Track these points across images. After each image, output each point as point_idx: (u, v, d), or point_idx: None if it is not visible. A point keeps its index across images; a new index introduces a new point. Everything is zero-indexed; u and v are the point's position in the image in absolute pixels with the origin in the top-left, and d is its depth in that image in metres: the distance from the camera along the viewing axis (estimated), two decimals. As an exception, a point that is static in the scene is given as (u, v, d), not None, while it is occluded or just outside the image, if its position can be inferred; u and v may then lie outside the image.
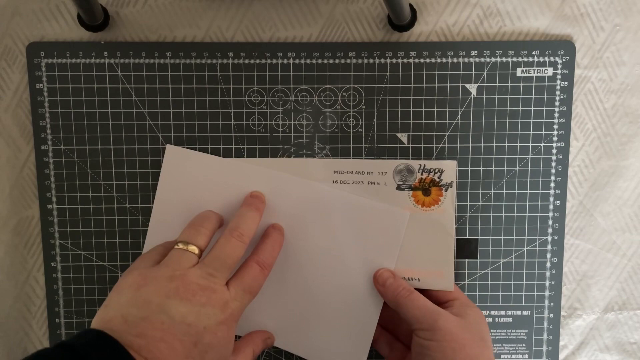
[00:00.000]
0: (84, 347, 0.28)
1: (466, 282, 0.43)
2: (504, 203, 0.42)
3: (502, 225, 0.43)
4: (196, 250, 0.35)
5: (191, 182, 0.41)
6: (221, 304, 0.33)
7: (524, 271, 0.43)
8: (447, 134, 0.42)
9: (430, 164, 0.41)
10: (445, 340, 0.36)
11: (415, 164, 0.41)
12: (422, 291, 0.40)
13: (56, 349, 0.28)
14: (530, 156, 0.42)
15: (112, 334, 0.29)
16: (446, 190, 0.41)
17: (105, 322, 0.31)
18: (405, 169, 0.41)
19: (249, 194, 0.40)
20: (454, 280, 0.41)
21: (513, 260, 0.43)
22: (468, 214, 0.43)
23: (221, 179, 0.41)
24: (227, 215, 0.40)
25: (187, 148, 0.41)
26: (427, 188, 0.41)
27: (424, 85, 0.41)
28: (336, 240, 0.41)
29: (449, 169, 0.41)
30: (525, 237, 0.43)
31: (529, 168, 0.42)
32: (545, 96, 0.42)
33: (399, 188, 0.41)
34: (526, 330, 0.44)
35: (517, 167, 0.42)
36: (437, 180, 0.41)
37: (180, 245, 0.35)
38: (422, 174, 0.41)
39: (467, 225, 0.43)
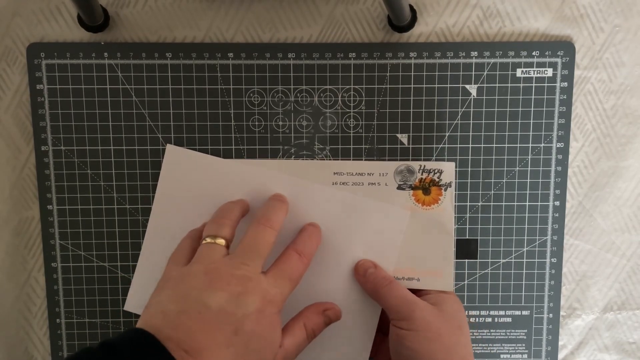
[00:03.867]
0: (123, 344, 0.29)
1: (466, 282, 0.43)
2: (503, 203, 0.43)
3: (502, 226, 0.43)
4: (223, 242, 0.35)
5: (191, 182, 0.41)
6: (259, 291, 0.33)
7: (524, 271, 0.43)
8: (447, 134, 0.42)
9: (430, 164, 0.41)
10: (421, 329, 0.36)
11: (415, 164, 0.41)
12: (417, 291, 0.40)
13: (99, 347, 0.29)
14: (530, 157, 0.42)
15: (151, 330, 0.30)
16: (445, 190, 0.41)
17: (146, 320, 0.31)
18: (406, 170, 0.41)
19: (271, 196, 0.40)
20: (453, 280, 0.42)
21: (513, 260, 0.43)
22: (468, 215, 0.43)
23: (221, 179, 0.41)
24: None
25: (187, 148, 0.41)
26: (427, 187, 0.41)
27: (424, 86, 0.41)
28: (336, 239, 0.41)
29: (448, 170, 0.41)
30: (525, 238, 0.43)
31: (529, 168, 0.42)
32: (545, 97, 0.42)
33: (399, 188, 0.41)
34: (525, 330, 0.44)
35: (517, 168, 0.42)
36: (437, 180, 0.41)
37: (208, 240, 0.35)
38: (422, 174, 0.41)
39: (467, 226, 0.43)
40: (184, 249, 0.36)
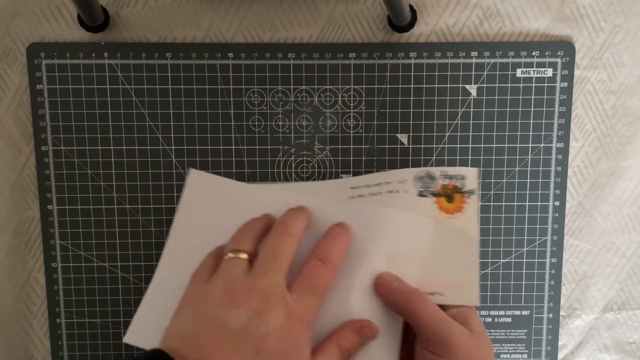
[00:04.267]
0: None
1: (466, 282, 0.43)
2: (503, 203, 0.43)
3: (502, 226, 0.43)
4: (245, 256, 0.33)
5: (214, 208, 0.39)
6: (282, 306, 0.31)
7: (524, 271, 0.43)
8: (447, 134, 0.42)
9: (452, 170, 0.39)
10: (459, 358, 0.32)
11: (435, 170, 0.39)
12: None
13: None
14: (530, 157, 0.42)
15: (170, 352, 0.29)
16: (469, 197, 0.38)
17: (165, 342, 0.30)
18: (427, 176, 0.39)
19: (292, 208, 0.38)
20: (479, 294, 0.39)
21: (512, 260, 0.43)
22: (468, 215, 0.43)
23: (245, 204, 0.39)
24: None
25: (211, 173, 0.40)
26: (450, 194, 0.39)
27: (424, 86, 0.41)
28: (355, 252, 0.37)
29: (470, 176, 0.38)
30: (525, 238, 0.43)
31: (529, 169, 0.42)
32: (545, 97, 0.42)
33: (421, 195, 0.39)
34: (525, 330, 0.44)
35: (517, 168, 0.42)
36: (460, 186, 0.39)
37: (230, 255, 0.33)
38: (444, 180, 0.39)
39: (467, 226, 0.43)
40: (206, 265, 0.34)
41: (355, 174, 0.42)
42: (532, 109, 0.42)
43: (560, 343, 0.44)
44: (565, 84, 0.41)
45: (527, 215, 0.43)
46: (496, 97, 0.42)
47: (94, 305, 0.43)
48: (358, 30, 0.41)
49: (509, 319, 0.44)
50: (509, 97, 0.42)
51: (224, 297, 0.31)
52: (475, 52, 0.41)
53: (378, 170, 0.42)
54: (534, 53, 0.41)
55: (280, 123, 0.42)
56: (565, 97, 0.42)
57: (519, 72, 0.41)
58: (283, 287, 0.32)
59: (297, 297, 0.32)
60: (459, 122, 0.42)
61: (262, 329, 0.30)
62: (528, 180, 0.42)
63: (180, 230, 0.39)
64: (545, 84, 0.41)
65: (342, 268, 0.36)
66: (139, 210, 0.42)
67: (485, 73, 0.41)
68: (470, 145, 0.42)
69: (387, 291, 0.36)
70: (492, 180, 0.42)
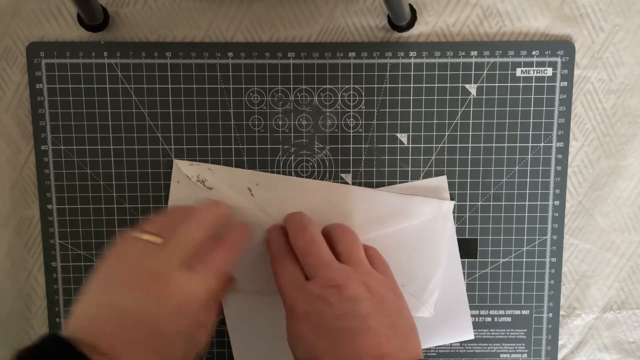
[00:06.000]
0: (39, 353, 0.28)
1: (465, 282, 0.43)
2: (503, 203, 0.43)
3: (502, 225, 0.43)
4: (148, 237, 0.32)
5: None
6: (178, 289, 0.31)
7: (523, 271, 0.43)
8: (446, 134, 0.42)
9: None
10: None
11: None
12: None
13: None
14: (529, 156, 0.42)
15: (75, 334, 0.29)
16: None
17: (70, 325, 0.30)
18: None
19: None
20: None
21: (512, 260, 0.43)
22: (468, 214, 0.43)
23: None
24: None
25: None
26: None
27: (424, 85, 0.41)
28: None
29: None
30: (525, 237, 0.43)
31: (529, 168, 0.42)
32: (544, 96, 0.42)
33: None
34: (525, 330, 0.44)
35: (517, 167, 0.42)
36: None
37: (136, 233, 0.33)
38: None
39: (467, 225, 0.43)
40: (115, 245, 0.34)
41: (355, 173, 0.42)
42: (532, 109, 0.42)
43: (560, 343, 0.44)
44: (565, 84, 0.41)
45: (526, 214, 0.43)
46: (496, 97, 0.42)
47: (94, 305, 0.43)
48: (358, 29, 0.41)
49: (508, 319, 0.44)
50: (508, 96, 0.42)
51: (119, 278, 0.31)
52: (475, 52, 0.41)
53: (377, 169, 0.42)
54: (533, 52, 0.41)
55: (280, 122, 0.42)
56: (565, 96, 0.42)
57: (518, 72, 0.41)
58: (182, 269, 0.32)
59: (195, 277, 0.32)
60: (459, 121, 0.42)
61: (158, 312, 0.30)
62: (528, 179, 0.42)
63: None
64: (545, 84, 0.41)
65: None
66: (138, 210, 0.42)
67: (485, 72, 0.41)
68: (470, 145, 0.42)
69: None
70: (492, 180, 0.42)
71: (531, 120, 0.42)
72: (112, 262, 0.33)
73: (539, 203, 0.43)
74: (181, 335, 0.31)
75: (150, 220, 0.35)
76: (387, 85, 0.41)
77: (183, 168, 0.41)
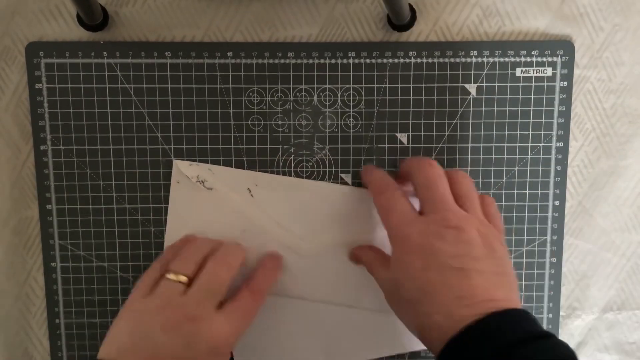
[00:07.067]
0: None
1: (465, 282, 0.43)
2: (503, 203, 0.42)
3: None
4: (185, 279, 0.35)
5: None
6: (211, 332, 0.33)
7: (523, 271, 0.43)
8: (446, 134, 0.42)
9: None
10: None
11: None
12: None
13: None
14: (529, 156, 0.42)
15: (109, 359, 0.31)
16: None
17: (102, 353, 0.32)
18: None
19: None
20: None
21: (512, 260, 0.43)
22: (467, 214, 0.43)
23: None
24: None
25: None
26: None
27: (424, 85, 0.41)
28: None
29: None
30: (525, 237, 0.43)
31: (528, 168, 0.42)
32: (544, 96, 0.42)
33: None
34: (525, 330, 0.44)
35: (517, 167, 0.42)
36: None
37: (171, 276, 0.35)
38: None
39: (467, 225, 0.43)
40: (149, 279, 0.36)
41: (355, 173, 0.42)
42: (532, 109, 0.42)
43: (560, 343, 0.44)
44: (565, 83, 0.41)
45: (526, 214, 0.43)
46: (496, 97, 0.41)
47: (93, 305, 0.43)
48: (357, 29, 0.41)
49: (508, 319, 0.44)
50: (508, 96, 0.41)
51: (157, 318, 0.33)
52: (475, 52, 0.41)
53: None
54: (533, 52, 0.41)
55: (280, 122, 0.42)
56: (564, 96, 0.42)
57: (518, 72, 0.41)
58: (215, 313, 0.34)
59: (226, 321, 0.34)
60: (459, 121, 0.42)
61: (189, 354, 0.32)
62: (528, 179, 0.42)
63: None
64: (545, 83, 0.41)
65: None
66: (138, 210, 0.42)
67: (484, 72, 0.41)
68: (469, 145, 0.42)
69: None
70: (492, 180, 0.42)
71: (531, 120, 0.42)
72: (144, 295, 0.35)
73: (538, 203, 0.43)
74: None
75: (172, 252, 0.37)
76: (387, 85, 0.41)
77: (183, 168, 0.41)
